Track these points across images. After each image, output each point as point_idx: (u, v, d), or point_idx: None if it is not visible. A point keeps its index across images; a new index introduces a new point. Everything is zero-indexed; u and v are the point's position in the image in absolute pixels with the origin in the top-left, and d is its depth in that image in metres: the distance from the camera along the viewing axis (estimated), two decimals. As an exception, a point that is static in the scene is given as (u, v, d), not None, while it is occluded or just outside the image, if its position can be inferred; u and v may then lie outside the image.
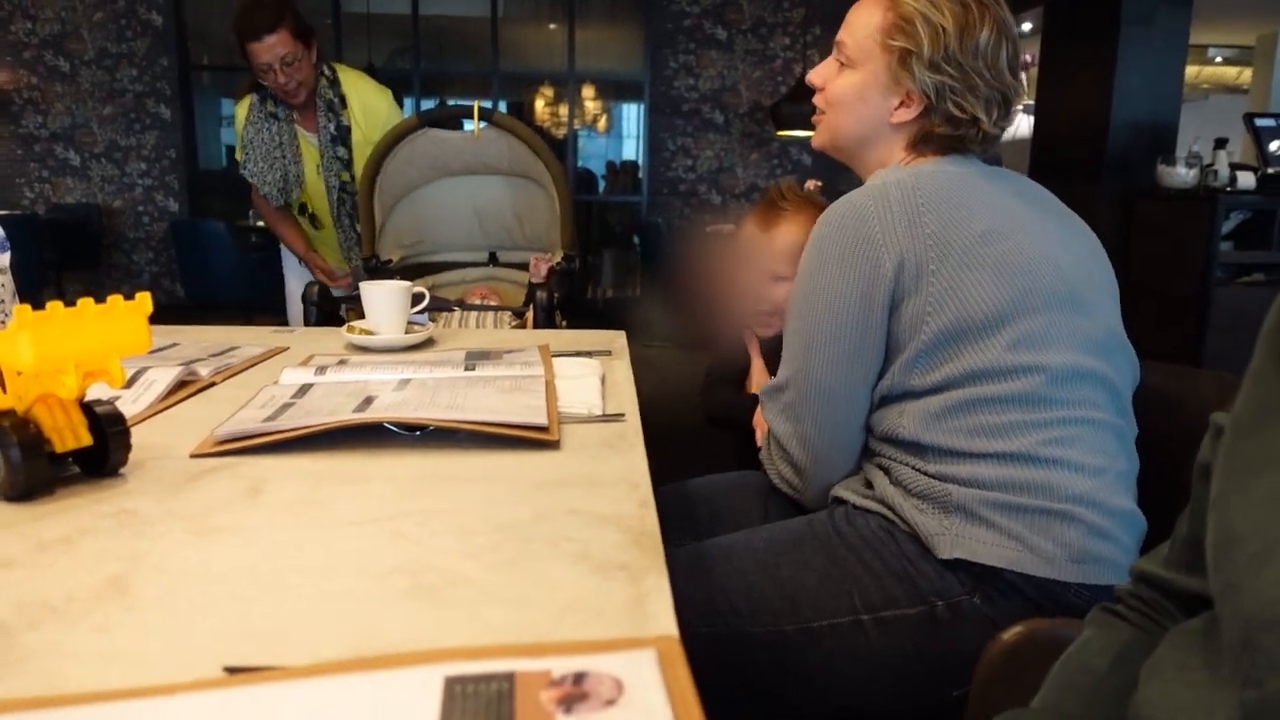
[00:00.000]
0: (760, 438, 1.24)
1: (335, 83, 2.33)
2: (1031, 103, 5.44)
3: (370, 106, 2.34)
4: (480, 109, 2.06)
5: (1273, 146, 3.95)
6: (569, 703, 0.43)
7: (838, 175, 5.79)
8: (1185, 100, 5.14)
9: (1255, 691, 0.42)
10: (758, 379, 1.48)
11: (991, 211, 1.00)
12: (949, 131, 1.06)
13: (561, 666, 0.46)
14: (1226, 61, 9.95)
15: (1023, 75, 1.09)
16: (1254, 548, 0.44)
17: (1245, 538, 0.45)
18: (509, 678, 0.45)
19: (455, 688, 0.44)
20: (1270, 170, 3.90)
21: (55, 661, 0.49)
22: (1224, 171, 3.98)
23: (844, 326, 1.01)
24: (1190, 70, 8.92)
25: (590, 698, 0.43)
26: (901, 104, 1.07)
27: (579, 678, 0.45)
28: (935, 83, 1.04)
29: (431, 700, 0.43)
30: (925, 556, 0.95)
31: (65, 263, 6.14)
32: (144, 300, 0.73)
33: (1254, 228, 3.96)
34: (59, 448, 0.72)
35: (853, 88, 1.10)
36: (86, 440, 0.74)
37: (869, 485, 1.06)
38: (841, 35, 1.12)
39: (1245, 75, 9.84)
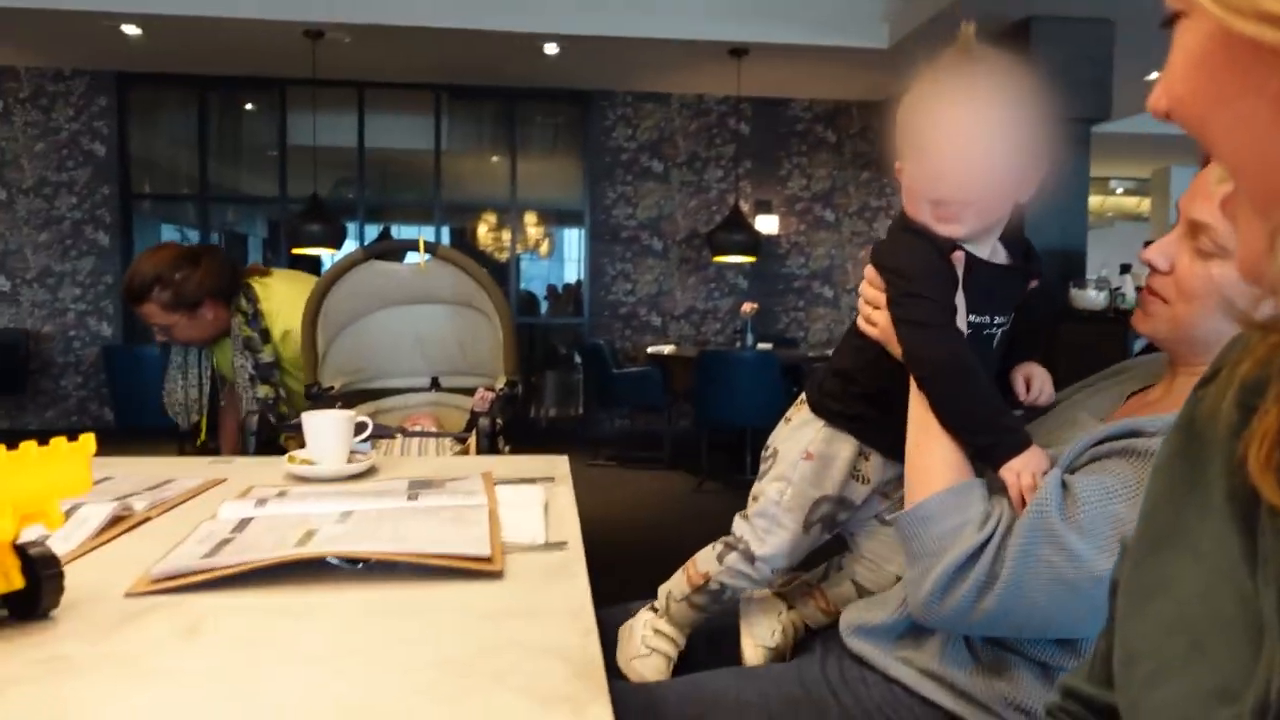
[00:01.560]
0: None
1: (256, 316, 2.26)
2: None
3: (294, 329, 2.26)
4: (425, 243, 2.12)
5: (1172, 271, 4.24)
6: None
7: (773, 300, 6.00)
8: (1092, 227, 5.53)
9: None
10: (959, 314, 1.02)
11: None
12: None
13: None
14: (1127, 192, 10.73)
15: None
16: (1147, 669, 0.47)
17: (1141, 658, 0.48)
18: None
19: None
20: (1171, 293, 4.17)
21: (-19, 819, 0.48)
22: (1130, 294, 4.25)
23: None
24: (1095, 200, 9.59)
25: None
26: None
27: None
28: None
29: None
30: None
31: (-13, 390, 5.95)
32: (87, 442, 0.74)
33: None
34: (-10, 591, 0.71)
35: (1223, 285, 0.87)
36: (18, 583, 0.73)
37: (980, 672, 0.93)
38: (1198, 213, 0.88)
39: (1144, 204, 10.60)
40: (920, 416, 1.00)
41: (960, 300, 1.01)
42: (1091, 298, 4.35)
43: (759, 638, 1.18)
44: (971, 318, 1.02)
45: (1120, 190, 10.69)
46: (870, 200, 6.95)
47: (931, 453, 0.98)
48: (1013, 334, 1.10)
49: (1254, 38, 0.33)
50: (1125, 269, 4.36)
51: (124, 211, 6.53)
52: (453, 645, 0.72)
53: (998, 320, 1.05)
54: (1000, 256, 1.05)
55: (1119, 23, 4.66)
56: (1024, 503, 0.88)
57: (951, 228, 1.00)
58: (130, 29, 5.32)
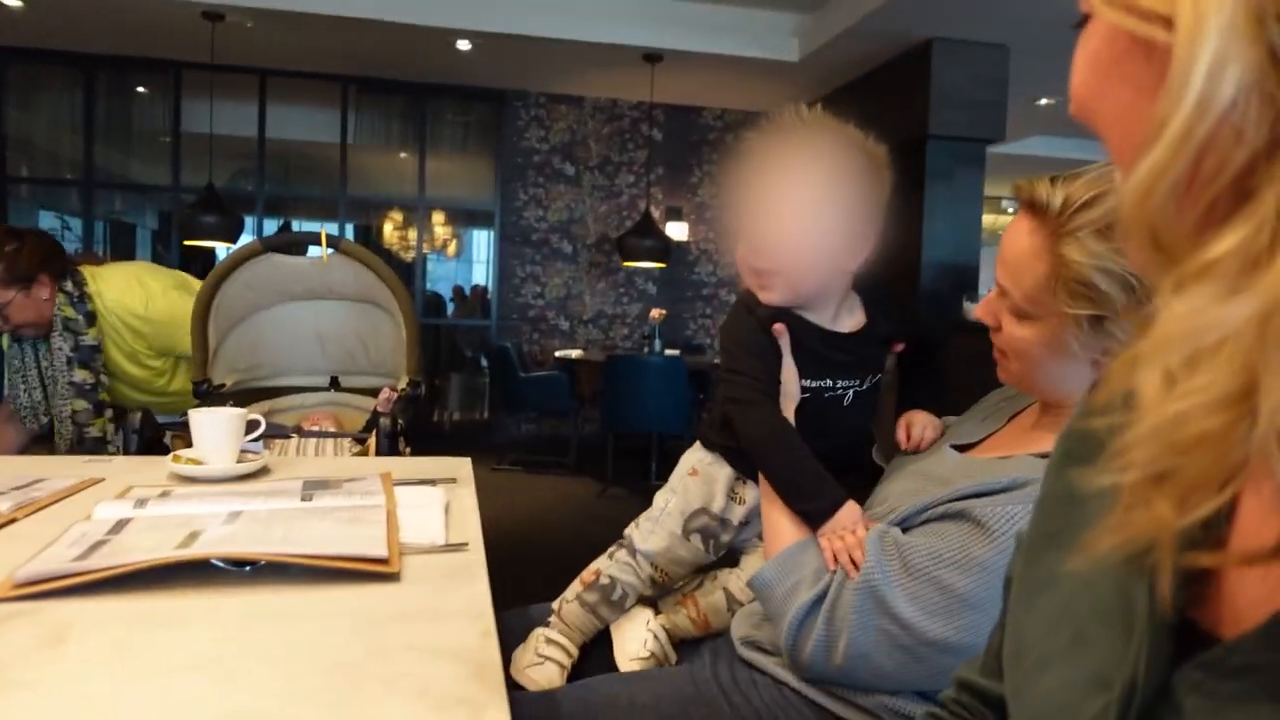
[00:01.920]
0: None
1: (82, 299, 2.17)
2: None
3: (125, 309, 2.20)
4: (328, 236, 2.06)
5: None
6: None
7: (681, 306, 6.04)
8: (985, 244, 5.78)
9: None
10: (789, 382, 1.09)
11: None
12: None
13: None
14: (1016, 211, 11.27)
15: None
16: (1033, 659, 0.49)
17: (1028, 650, 0.50)
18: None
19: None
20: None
21: None
22: (1019, 308, 4.45)
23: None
24: (988, 218, 10.05)
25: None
26: (1108, 353, 0.85)
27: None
28: None
29: None
30: None
31: None
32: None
33: (1048, 358, 4.42)
34: None
35: (1037, 343, 0.90)
36: None
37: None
38: (1002, 278, 0.92)
39: (1033, 224, 11.16)
40: (764, 481, 1.07)
41: (791, 368, 1.06)
42: (984, 311, 4.53)
43: (631, 651, 1.20)
44: (808, 382, 1.08)
45: (1011, 210, 11.23)
46: (778, 211, 7.08)
47: (773, 514, 1.05)
48: (882, 391, 1.16)
49: (1124, 28, 0.35)
50: (1015, 284, 4.57)
51: (-1, 195, 6.13)
52: (343, 650, 0.70)
53: (842, 383, 1.10)
54: (846, 323, 1.11)
55: (1013, 49, 4.89)
56: (836, 561, 0.94)
57: (768, 295, 1.06)
58: (10, 0, 5.00)
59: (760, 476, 1.08)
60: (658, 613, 1.25)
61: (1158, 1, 0.33)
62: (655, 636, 1.21)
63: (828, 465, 1.02)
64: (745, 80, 6.06)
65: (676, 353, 5.69)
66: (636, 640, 1.21)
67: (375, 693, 0.62)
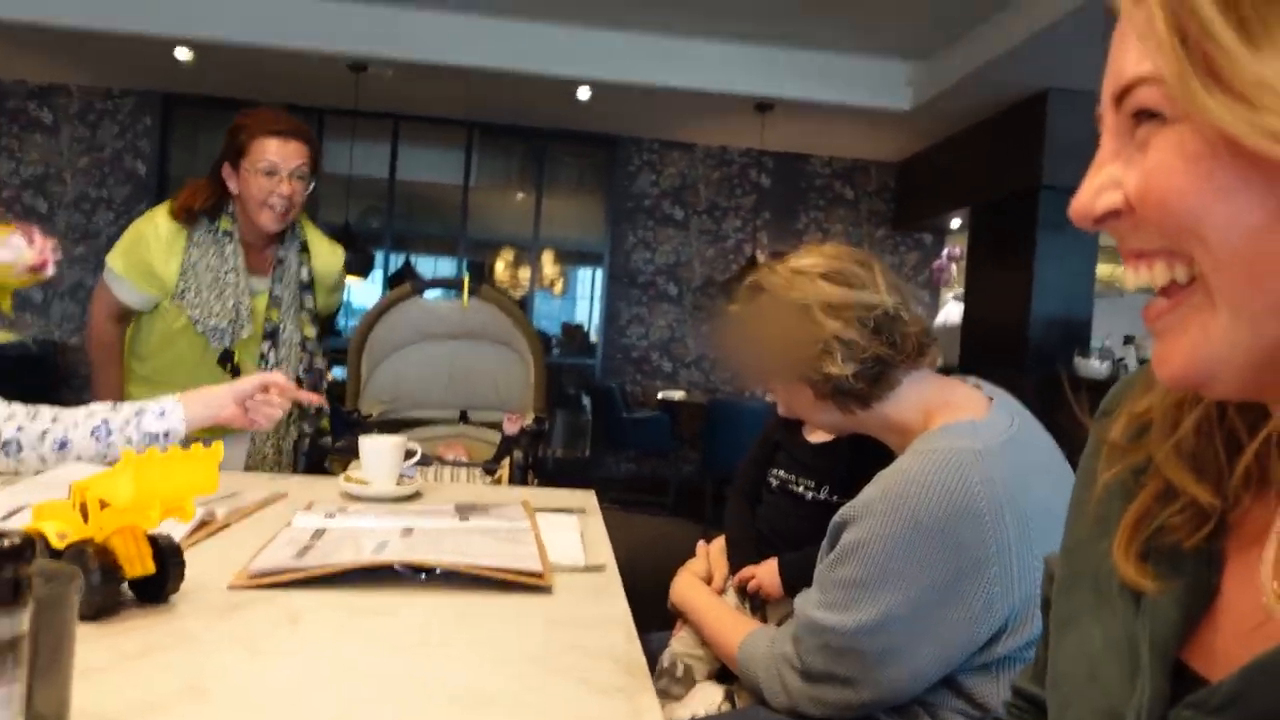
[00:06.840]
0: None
1: (301, 227, 2.21)
2: (961, 290, 5.93)
3: (326, 266, 2.26)
4: (469, 283, 2.26)
5: (1175, 344, 4.35)
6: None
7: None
8: (1103, 296, 5.65)
9: None
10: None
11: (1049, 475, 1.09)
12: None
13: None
14: (1136, 262, 10.84)
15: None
16: (1063, 692, 0.55)
17: (1060, 682, 0.56)
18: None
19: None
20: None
21: (163, 750, 0.60)
22: (1133, 365, 4.36)
23: (931, 608, 0.97)
24: (1104, 269, 9.74)
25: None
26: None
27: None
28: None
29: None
30: None
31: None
32: (218, 449, 0.86)
33: (1163, 417, 4.29)
34: (129, 574, 0.83)
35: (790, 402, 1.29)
36: (151, 569, 0.85)
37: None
38: None
39: (1153, 275, 10.69)
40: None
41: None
42: (1095, 367, 4.46)
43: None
44: (780, 472, 1.42)
45: (1130, 260, 10.83)
46: (886, 256, 7.11)
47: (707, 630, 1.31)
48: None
49: (1257, 151, 0.36)
50: (1129, 340, 4.48)
51: (159, 228, 6.71)
52: (520, 645, 0.84)
53: (804, 480, 1.37)
54: (820, 436, 1.38)
55: (1132, 103, 4.82)
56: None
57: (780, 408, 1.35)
58: (183, 53, 5.54)
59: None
60: (729, 695, 1.27)
61: None
62: (726, 700, 1.24)
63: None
64: (855, 128, 6.15)
65: (778, 396, 5.75)
66: (706, 705, 1.24)
67: (550, 680, 0.76)
